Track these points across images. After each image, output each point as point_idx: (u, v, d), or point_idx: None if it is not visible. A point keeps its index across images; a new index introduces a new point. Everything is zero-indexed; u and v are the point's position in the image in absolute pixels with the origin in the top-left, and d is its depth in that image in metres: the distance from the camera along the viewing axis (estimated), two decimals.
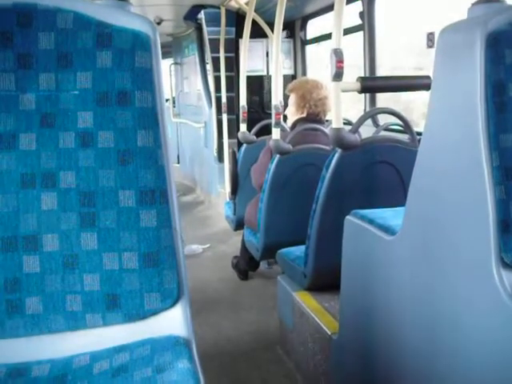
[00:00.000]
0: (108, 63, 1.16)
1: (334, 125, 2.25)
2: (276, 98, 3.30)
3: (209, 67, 6.29)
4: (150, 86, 1.18)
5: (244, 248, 3.84)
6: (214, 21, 5.75)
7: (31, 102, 1.14)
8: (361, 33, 4.26)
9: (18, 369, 1.09)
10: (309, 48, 5.98)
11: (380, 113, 3.38)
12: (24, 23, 1.14)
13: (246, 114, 4.60)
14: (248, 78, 4.77)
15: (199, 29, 6.50)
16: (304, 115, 3.32)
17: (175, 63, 8.38)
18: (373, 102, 4.32)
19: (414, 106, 4.42)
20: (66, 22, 1.15)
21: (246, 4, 4.47)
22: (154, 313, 1.16)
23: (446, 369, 1.41)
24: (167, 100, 8.39)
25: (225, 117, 5.68)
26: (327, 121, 3.43)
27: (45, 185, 1.13)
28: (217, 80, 5.85)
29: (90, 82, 1.15)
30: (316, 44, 5.78)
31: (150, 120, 1.17)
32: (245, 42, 4.42)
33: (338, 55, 2.14)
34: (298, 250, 2.73)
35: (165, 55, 8.37)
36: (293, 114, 3.39)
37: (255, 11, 4.33)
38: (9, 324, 1.12)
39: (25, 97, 1.14)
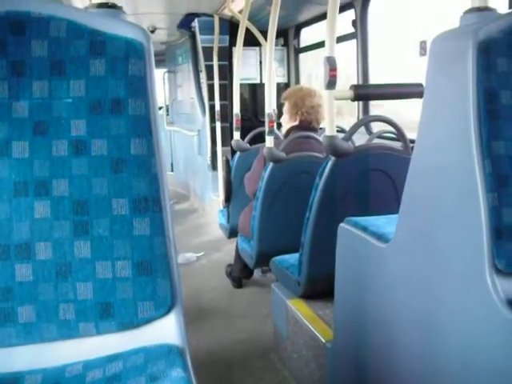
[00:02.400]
0: (101, 71, 1.16)
1: (328, 132, 2.25)
2: (269, 106, 3.30)
3: (202, 75, 6.30)
4: (144, 94, 1.18)
5: (238, 256, 3.84)
6: (207, 29, 5.76)
7: (24, 109, 1.13)
8: None
9: (10, 378, 1.09)
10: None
11: (373, 121, 3.39)
12: (17, 31, 1.14)
13: (239, 122, 4.61)
14: (241, 86, 4.78)
15: (193, 37, 6.51)
16: (297, 123, 3.32)
17: (169, 71, 8.39)
18: (366, 109, 4.33)
19: None
20: (60, 30, 1.15)
21: (240, 12, 4.48)
22: (148, 321, 1.16)
23: (440, 375, 1.41)
24: (161, 108, 8.40)
25: (218, 125, 5.68)
26: (321, 128, 3.43)
27: (38, 193, 1.12)
28: (210, 88, 5.86)
29: (84, 89, 1.15)
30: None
31: (143, 128, 1.17)
32: (238, 50, 4.43)
33: (331, 63, 2.14)
34: (292, 258, 2.73)
35: (159, 63, 8.36)
36: (287, 122, 3.40)
37: (248, 19, 4.34)
38: (1, 333, 1.12)
39: (18, 104, 1.13)
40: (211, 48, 5.65)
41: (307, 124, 3.30)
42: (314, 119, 3.32)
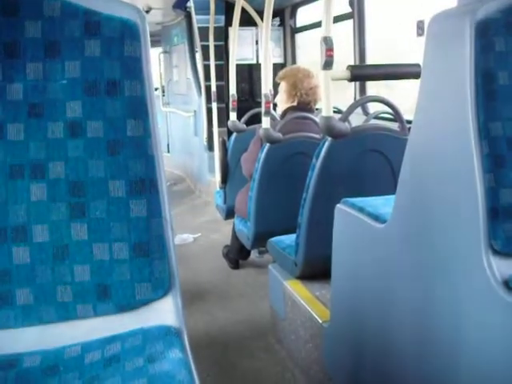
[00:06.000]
0: (96, 52, 1.15)
1: (324, 113, 2.24)
2: (266, 87, 3.29)
3: (198, 56, 6.26)
4: (139, 75, 1.17)
5: (234, 237, 3.85)
6: (203, 9, 5.71)
7: (18, 91, 1.12)
8: None
9: (9, 360, 1.09)
10: None
11: (370, 101, 3.38)
12: (9, 11, 1.13)
13: (235, 103, 4.58)
14: (238, 66, 4.75)
15: (188, 17, 6.47)
16: (295, 104, 3.31)
17: (164, 52, 8.34)
18: (363, 90, 4.31)
19: None
20: (54, 10, 1.14)
21: None
22: (145, 303, 1.16)
23: (437, 356, 1.42)
24: (157, 89, 8.35)
25: (214, 105, 5.66)
26: (317, 109, 3.42)
27: (34, 175, 1.12)
28: (206, 69, 5.82)
29: (79, 71, 1.14)
30: None
31: (139, 109, 1.16)
32: (234, 31, 4.40)
33: (328, 43, 2.13)
34: (289, 239, 2.73)
35: (154, 44, 8.27)
36: (283, 102, 3.39)
37: None
38: None
39: (12, 86, 1.12)
40: (207, 28, 5.61)
41: (305, 105, 3.30)
42: (312, 100, 3.32)
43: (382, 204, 1.76)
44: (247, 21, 5.08)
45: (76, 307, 1.14)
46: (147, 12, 6.31)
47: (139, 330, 1.13)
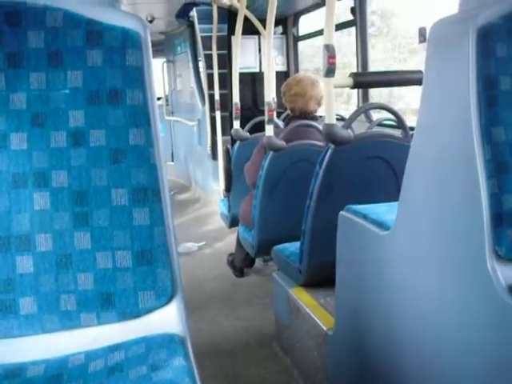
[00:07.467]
0: (98, 61, 1.15)
1: (327, 121, 2.24)
2: (268, 95, 3.29)
3: (201, 65, 6.27)
4: (141, 85, 1.18)
5: (239, 245, 3.85)
6: (206, 18, 5.73)
7: (22, 101, 1.13)
8: None
9: (13, 369, 1.09)
10: None
11: (373, 108, 3.38)
12: (13, 22, 1.14)
13: (239, 111, 4.58)
14: (241, 74, 4.76)
15: (191, 26, 6.49)
16: (288, 112, 3.33)
17: (168, 61, 8.36)
18: (366, 97, 4.32)
19: None
20: (56, 21, 1.15)
21: (238, 1, 4.46)
22: (149, 311, 1.16)
23: (442, 362, 1.41)
24: (160, 98, 8.37)
25: (218, 114, 5.67)
26: (321, 117, 3.42)
27: (37, 184, 1.13)
28: (209, 77, 5.84)
29: (81, 80, 1.15)
30: None
31: (141, 118, 1.17)
32: (237, 39, 4.41)
33: (330, 51, 2.13)
34: (293, 247, 2.73)
35: (157, 53, 8.30)
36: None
37: (247, 8, 4.31)
38: (3, 324, 1.12)
39: (15, 96, 1.13)
40: (210, 37, 5.62)
41: (294, 112, 3.29)
42: (295, 107, 3.27)
43: (386, 211, 1.75)
44: (250, 29, 5.09)
45: (79, 316, 1.14)
46: (150, 22, 6.33)
47: (143, 338, 1.14)
